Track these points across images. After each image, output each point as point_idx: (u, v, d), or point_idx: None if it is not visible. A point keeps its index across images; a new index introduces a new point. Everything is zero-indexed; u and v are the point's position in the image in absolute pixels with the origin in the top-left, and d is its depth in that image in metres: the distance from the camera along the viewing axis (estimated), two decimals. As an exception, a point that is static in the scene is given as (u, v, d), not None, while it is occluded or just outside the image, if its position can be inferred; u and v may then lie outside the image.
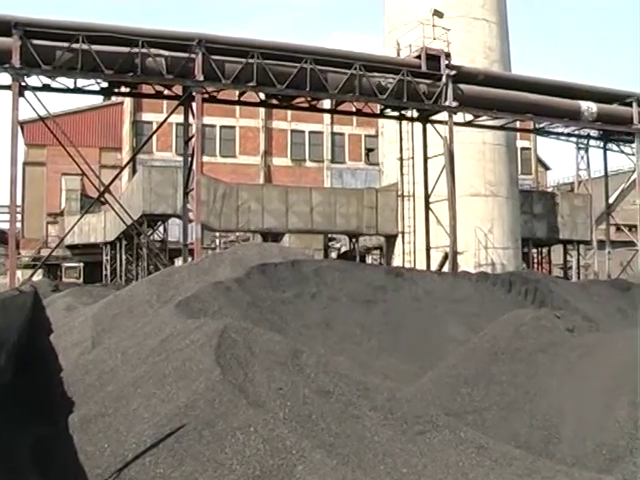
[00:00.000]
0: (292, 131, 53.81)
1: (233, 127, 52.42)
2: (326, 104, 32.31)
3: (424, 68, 27.86)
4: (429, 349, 11.44)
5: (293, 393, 6.09)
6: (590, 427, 6.33)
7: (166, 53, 23.85)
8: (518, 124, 36.42)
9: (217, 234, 40.74)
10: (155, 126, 38.16)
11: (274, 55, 25.24)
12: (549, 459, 6.20)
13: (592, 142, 40.39)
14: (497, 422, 7.06)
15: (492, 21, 34.91)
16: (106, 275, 46.34)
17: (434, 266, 29.49)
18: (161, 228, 38.98)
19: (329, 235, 38.81)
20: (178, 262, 30.54)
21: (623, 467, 5.80)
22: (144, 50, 23.26)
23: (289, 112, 47.82)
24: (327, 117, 51.90)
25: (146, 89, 27.01)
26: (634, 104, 33.53)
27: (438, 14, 29.96)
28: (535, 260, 45.67)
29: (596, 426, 6.28)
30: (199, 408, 5.77)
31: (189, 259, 24.64)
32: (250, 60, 24.62)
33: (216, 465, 5.27)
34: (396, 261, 33.62)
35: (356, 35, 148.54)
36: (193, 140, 25.22)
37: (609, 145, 39.52)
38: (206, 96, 25.90)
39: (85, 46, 22.47)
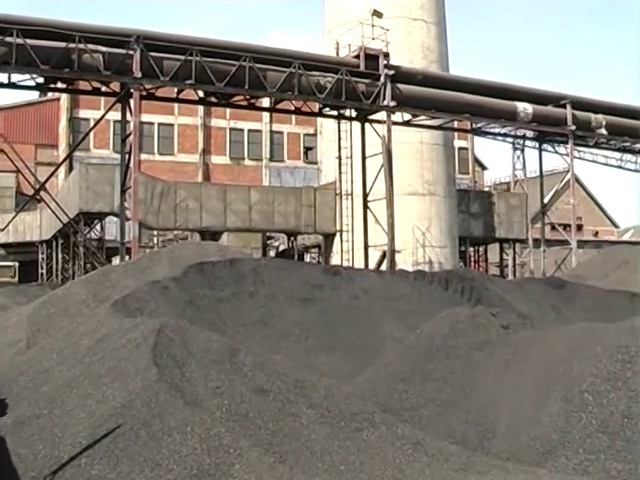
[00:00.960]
0: (231, 129, 53.54)
1: (171, 125, 51.95)
2: (265, 102, 32.28)
3: (363, 68, 28.02)
4: (366, 347, 11.49)
5: (230, 392, 6.08)
6: (524, 422, 6.44)
7: (104, 49, 23.54)
8: (456, 124, 36.86)
9: (155, 232, 40.33)
10: (92, 123, 37.69)
11: (213, 53, 25.14)
12: (484, 454, 6.29)
13: (528, 142, 41.10)
14: (433, 418, 7.13)
15: (431, 22, 35.22)
16: (42, 274, 45.57)
17: (372, 264, 29.65)
18: (98, 226, 38.40)
19: (267, 234, 38.71)
20: (115, 261, 30.15)
21: (555, 460, 5.92)
22: (81, 46, 22.93)
23: (228, 110, 47.56)
24: (266, 115, 51.78)
25: (83, 85, 26.70)
26: (568, 106, 34.20)
27: (377, 14, 30.18)
28: (472, 258, 46.19)
29: (530, 421, 6.39)
30: (135, 408, 5.72)
31: (126, 258, 24.39)
32: (189, 57, 24.48)
33: (153, 465, 5.24)
34: (334, 259, 33.72)
35: (296, 34, 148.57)
36: (131, 138, 24.94)
37: (544, 146, 40.25)
38: (144, 93, 25.64)
39: (20, 40, 22.04)
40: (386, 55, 28.63)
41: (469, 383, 7.32)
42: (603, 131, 36.04)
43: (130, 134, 25.11)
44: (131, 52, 23.72)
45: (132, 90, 24.18)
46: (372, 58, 28.25)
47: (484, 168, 70.10)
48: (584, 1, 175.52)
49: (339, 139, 31.83)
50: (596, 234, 72.29)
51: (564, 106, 34.25)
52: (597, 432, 5.90)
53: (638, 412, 5.87)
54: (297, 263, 20.96)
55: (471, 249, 45.01)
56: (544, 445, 6.09)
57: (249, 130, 53.96)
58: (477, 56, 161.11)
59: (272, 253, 43.05)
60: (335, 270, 16.16)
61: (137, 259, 17.37)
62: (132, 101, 24.59)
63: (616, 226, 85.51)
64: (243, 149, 54.12)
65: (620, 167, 49.49)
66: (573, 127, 34.32)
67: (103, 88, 25.94)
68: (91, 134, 40.19)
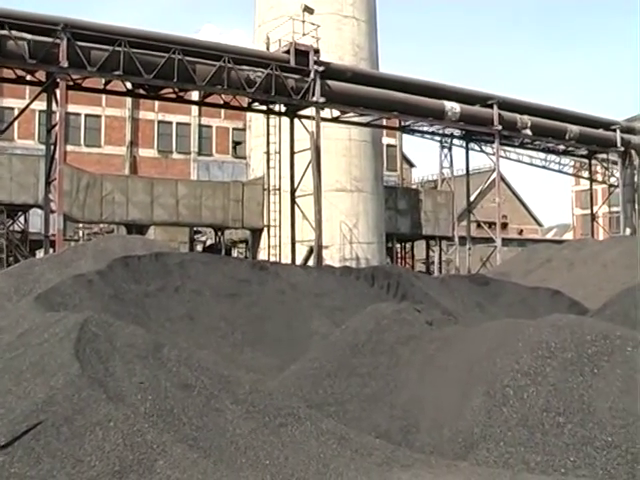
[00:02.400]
0: (159, 122, 52.88)
1: (98, 116, 51.05)
2: (194, 96, 32.03)
3: (293, 63, 28.00)
4: (293, 342, 11.51)
5: (154, 387, 6.01)
6: (447, 416, 6.53)
7: (29, 37, 23.00)
8: (384, 121, 37.11)
9: (80, 225, 39.71)
10: (17, 112, 36.84)
11: (142, 44, 24.81)
12: (408, 448, 6.36)
13: (455, 141, 41.63)
14: (358, 413, 7.18)
15: (361, 19, 35.42)
16: (-38, 267, 44.44)
17: (299, 260, 29.70)
18: (22, 218, 37.59)
19: (195, 228, 38.47)
20: (39, 254, 29.60)
21: (477, 453, 6.01)
22: (5, 32, 22.38)
23: (156, 103, 47.00)
24: (195, 109, 51.26)
25: (7, 73, 26.05)
26: (495, 106, 34.77)
27: (308, 10, 30.18)
28: (399, 255, 46.63)
29: (453, 415, 6.48)
30: (57, 404, 5.62)
31: (50, 251, 23.97)
32: (117, 48, 24.10)
33: (74, 462, 5.15)
34: (262, 255, 33.69)
35: (228, 28, 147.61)
36: (56, 128, 24.48)
37: (471, 145, 40.82)
38: (71, 83, 25.22)
39: (-60, 25, 21.49)
40: (316, 51, 28.67)
41: (394, 378, 7.38)
42: (528, 132, 36.73)
43: (56, 125, 24.64)
44: (58, 41, 23.24)
45: (58, 80, 23.72)
46: (302, 54, 28.27)
47: (412, 166, 70.76)
48: (517, 3, 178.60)
49: (268, 134, 31.81)
50: (520, 232, 73.66)
51: (491, 106, 34.81)
52: (517, 425, 6.02)
53: (556, 406, 6.01)
54: (224, 258, 20.83)
55: (398, 246, 45.43)
56: (466, 439, 6.19)
57: (177, 123, 53.39)
58: (407, 55, 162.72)
59: (199, 247, 42.82)
60: (262, 265, 16.14)
61: (61, 252, 17.08)
62: (58, 91, 24.14)
63: (540, 225, 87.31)
64: (171, 142, 53.53)
65: (544, 167, 50.52)
66: (499, 127, 34.90)
67: (28, 77, 25.41)
68: (15, 124, 39.31)
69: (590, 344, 6.51)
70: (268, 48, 30.43)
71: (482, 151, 42.93)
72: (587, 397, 6.03)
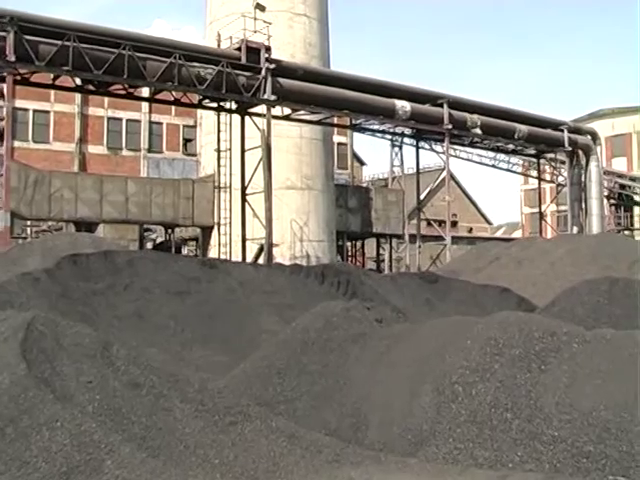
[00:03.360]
0: (109, 118, 52.30)
1: (47, 112, 50.31)
2: (144, 92, 31.74)
3: (244, 60, 27.90)
4: (243, 340, 11.50)
5: (102, 386, 5.95)
6: (396, 413, 6.56)
7: (-27, 29, 22.61)
8: (335, 120, 37.16)
9: (28, 223, 39.17)
10: (-39, 107, 36.19)
11: (92, 39, 24.48)
12: (358, 445, 6.37)
13: (406, 140, 41.88)
14: (308, 411, 7.18)
15: (313, 17, 35.43)
16: None
17: (250, 258, 29.63)
18: (-34, 215, 36.98)
19: (145, 226, 38.16)
20: (-16, 251, 29.11)
21: (426, 450, 6.05)
22: (-53, 24, 21.98)
23: (106, 99, 46.50)
24: (145, 105, 50.80)
25: (-50, 67, 25.58)
26: (445, 105, 34.99)
27: (260, 7, 30.18)
28: (349, 253, 46.73)
29: (402, 412, 6.51)
30: (2, 404, 5.52)
31: (-4, 248, 23.60)
32: (66, 43, 23.73)
33: (20, 463, 5.07)
34: (212, 252, 33.55)
35: (179, 24, 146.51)
36: (3, 124, 24.10)
37: (421, 143, 41.10)
38: (18, 78, 24.82)
39: None
40: (268, 49, 28.61)
41: (343, 376, 7.40)
42: (478, 131, 37.05)
43: (2, 120, 24.26)
44: (4, 34, 22.83)
45: (5, 74, 23.33)
46: (254, 51, 28.18)
47: (363, 164, 71.06)
48: (469, 3, 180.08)
49: (218, 131, 31.65)
50: (470, 230, 74.33)
51: (441, 105, 35.03)
52: (466, 422, 6.07)
53: (504, 402, 6.07)
54: (173, 256, 20.76)
55: (348, 243, 45.53)
56: (416, 435, 6.22)
57: (128, 120, 52.87)
58: (358, 53, 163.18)
59: (149, 245, 42.47)
60: (212, 263, 16.10)
61: (8, 250, 16.87)
62: (5, 86, 23.76)
63: (489, 223, 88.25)
64: (121, 139, 52.98)
65: (494, 166, 51.08)
66: (449, 126, 35.14)
67: (-27, 71, 24.97)
68: (-40, 119, 38.65)
69: (537, 341, 6.58)
70: (219, 45, 30.25)
71: (432, 150, 43.28)
72: (534, 393, 6.10)
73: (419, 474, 5.58)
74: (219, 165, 32.04)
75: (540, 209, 47.43)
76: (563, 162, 46.04)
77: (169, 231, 38.12)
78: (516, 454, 5.73)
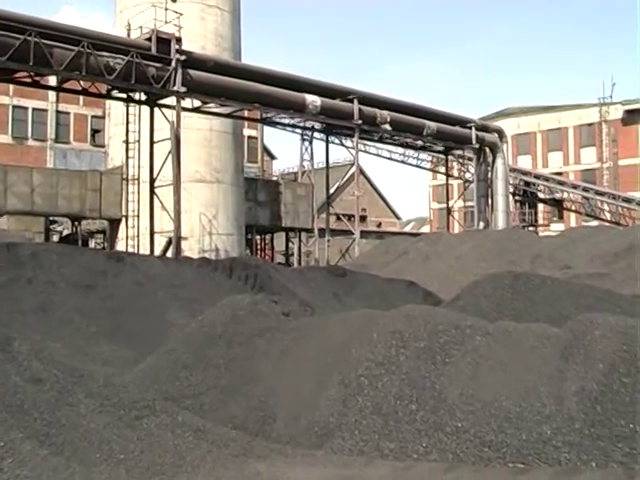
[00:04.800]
0: (14, 107, 50.95)
1: (-52, 100, 48.86)
2: (51, 81, 31.01)
3: (154, 51, 27.48)
4: (149, 334, 11.36)
5: (3, 382, 5.79)
6: (303, 406, 6.58)
7: None
8: (246, 113, 37.06)
9: None
10: None
11: (-5, 25, 23.77)
12: (264, 439, 6.37)
13: (316, 134, 41.98)
14: (214, 405, 7.15)
15: (225, 9, 35.19)
16: None
17: (158, 251, 29.33)
18: None
19: (51, 218, 37.35)
20: None
21: (333, 442, 6.09)
22: None
23: (11, 86, 45.26)
24: (52, 94, 49.68)
25: None
26: (355, 101, 35.24)
27: (172, -3, 29.78)
28: (258, 246, 46.69)
29: (309, 405, 6.54)
30: None
31: None
32: (-33, 27, 23.02)
33: None
34: (120, 245, 33.05)
35: (88, 11, 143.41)
36: None
37: (331, 138, 41.32)
38: None
39: None
40: (178, 40, 28.27)
41: (250, 369, 7.39)
42: (388, 127, 37.43)
43: None
44: None
45: None
46: (164, 42, 27.79)
47: (273, 158, 71.09)
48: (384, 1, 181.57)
49: (127, 123, 31.17)
50: (379, 225, 75.11)
51: (352, 101, 35.27)
52: (372, 414, 6.13)
53: (409, 394, 6.16)
54: (79, 248, 20.38)
55: (258, 237, 45.49)
56: (322, 428, 6.26)
57: (34, 109, 51.60)
58: (270, 47, 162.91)
59: (55, 238, 41.60)
60: (118, 256, 15.88)
61: None
62: None
63: (398, 218, 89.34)
64: (27, 128, 51.70)
65: (403, 162, 51.80)
66: (359, 121, 35.41)
67: None
68: None
69: (442, 334, 6.69)
70: (129, 35, 29.77)
71: (342, 145, 43.63)
72: (438, 385, 6.20)
73: (325, 466, 5.61)
74: (127, 157, 31.57)
75: (448, 205, 48.23)
76: (470, 159, 46.92)
77: (76, 223, 37.36)
78: (421, 445, 5.81)
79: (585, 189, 58.36)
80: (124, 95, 29.77)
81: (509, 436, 5.63)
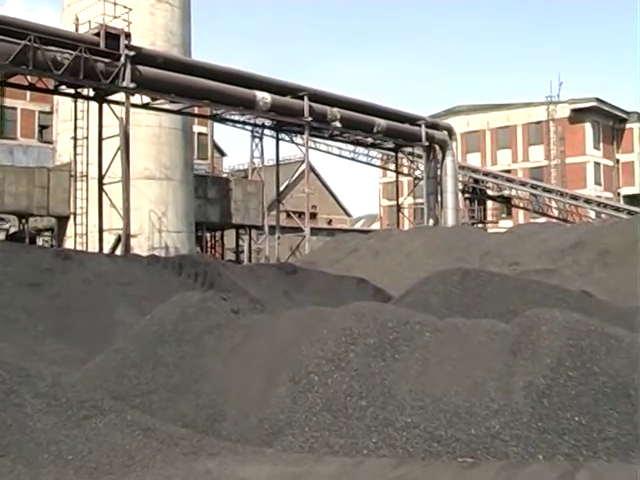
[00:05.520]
0: (-44, 102, 50.05)
1: None
2: (-4, 76, 30.49)
3: (103, 46, 27.16)
4: (98, 333, 11.25)
5: (-52, 383, 5.72)
6: (253, 404, 6.57)
7: None
8: (196, 109, 36.86)
9: None
10: None
11: (-63, 17, 23.31)
12: (214, 437, 6.35)
13: (266, 131, 42.00)
14: (164, 403, 7.10)
15: (175, 5, 34.96)
16: None
17: (107, 249, 29.05)
18: None
19: (-3, 215, 36.80)
20: None
21: (283, 439, 6.09)
22: None
23: (-47, 82, 44.41)
24: (-3, 90, 48.91)
25: None
26: (305, 98, 35.27)
27: (120, -7, 29.45)
28: (208, 244, 46.51)
29: (258, 403, 6.53)
30: None
31: None
32: None
33: None
34: (68, 243, 32.65)
35: (35, 5, 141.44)
36: None
37: (282, 135, 41.32)
38: None
39: None
40: (127, 35, 28.00)
41: (200, 367, 7.35)
42: (338, 124, 37.51)
43: None
44: None
45: None
46: (113, 37, 27.48)
47: (223, 154, 70.84)
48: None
49: (75, 119, 30.88)
50: (329, 222, 75.28)
51: (302, 98, 35.28)
52: (322, 411, 6.14)
53: (359, 390, 6.19)
54: (26, 246, 20.08)
55: (208, 234, 45.32)
56: (272, 425, 6.25)
57: (-21, 105, 50.75)
58: (220, 44, 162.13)
59: (2, 236, 41.03)
60: (66, 254, 15.69)
61: None
62: None
63: (348, 215, 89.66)
64: (-29, 124, 50.87)
65: (353, 159, 52.05)
66: (309, 118, 35.45)
67: None
68: None
69: (391, 330, 6.73)
70: (77, 29, 29.40)
71: (292, 142, 43.64)
72: (388, 381, 6.23)
73: (275, 463, 5.61)
74: (76, 153, 31.26)
75: (398, 202, 48.51)
76: (420, 156, 47.23)
77: (23, 221, 36.83)
78: (370, 441, 5.84)
79: (533, 186, 59.12)
80: (72, 91, 29.42)
81: (458, 431, 5.69)
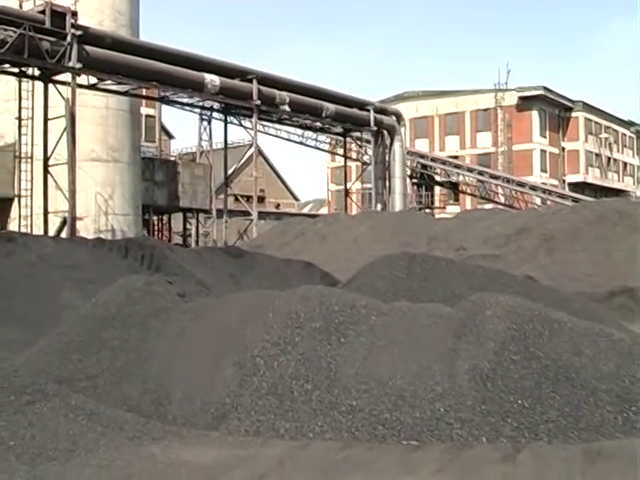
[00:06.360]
0: None
1: None
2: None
3: (48, 25, 26.55)
4: (42, 317, 11.11)
5: None
6: (199, 388, 6.56)
7: None
8: (144, 91, 36.44)
9: None
10: None
11: None
12: (160, 421, 6.33)
13: (215, 114, 41.66)
14: (109, 387, 7.05)
15: (123, -15, 34.43)
16: None
17: (52, 232, 28.65)
18: None
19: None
20: None
21: (229, 423, 6.09)
22: None
23: None
24: (-62, 69, 47.71)
25: None
26: (254, 81, 35.05)
27: (67, -29, 28.93)
28: (156, 227, 46.14)
29: (204, 386, 6.52)
30: None
31: None
32: None
33: None
34: (12, 226, 32.07)
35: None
36: None
37: (230, 118, 41.03)
38: None
39: None
40: (74, 14, 27.45)
41: (145, 351, 7.31)
42: (287, 108, 37.37)
43: None
44: None
45: None
46: (59, 16, 26.89)
47: (171, 137, 70.16)
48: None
49: (20, 99, 30.29)
50: (277, 206, 75.08)
51: (251, 81, 35.07)
52: (267, 394, 6.15)
53: (305, 374, 6.21)
54: (-32, 229, 19.73)
55: (155, 218, 44.95)
56: (218, 409, 6.25)
57: None
58: (169, 25, 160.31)
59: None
60: (9, 236, 15.47)
61: None
62: None
63: (297, 199, 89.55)
64: None
65: (302, 143, 51.94)
66: (258, 102, 35.26)
67: None
68: None
69: (337, 314, 6.76)
70: (21, 6, 28.83)
71: (241, 125, 43.38)
72: (334, 365, 6.26)
73: (221, 447, 5.62)
74: (20, 134, 30.69)
75: (346, 186, 48.55)
76: (369, 141, 47.29)
77: (-36, 203, 36.12)
78: (316, 424, 5.87)
79: (480, 172, 59.63)
80: (16, 70, 28.86)
81: (403, 414, 5.74)
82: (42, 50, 26.47)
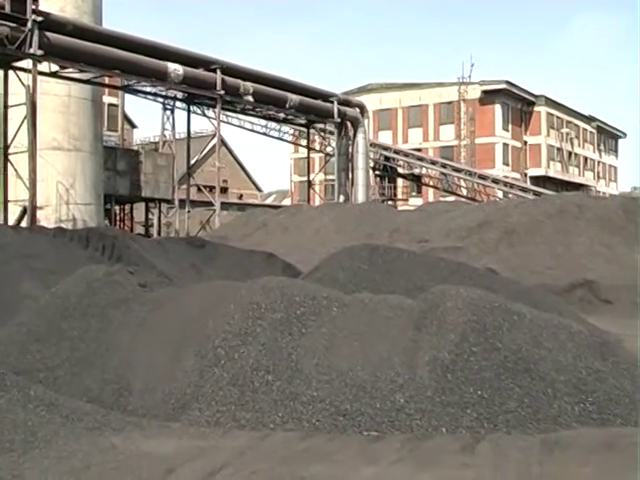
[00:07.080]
0: None
1: None
2: None
3: (8, 10, 26.13)
4: (1, 307, 10.97)
5: None
6: (159, 378, 6.54)
7: None
8: (106, 79, 36.09)
9: None
10: None
11: None
12: (120, 411, 6.31)
13: (178, 104, 41.48)
14: (69, 378, 7.00)
15: (86, -30, 34.03)
16: None
17: (12, 221, 28.34)
18: None
19: None
20: None
21: (189, 414, 6.08)
22: None
23: None
24: None
25: None
26: (218, 71, 34.93)
27: (28, -46, 28.50)
28: (118, 217, 45.85)
29: (165, 377, 6.50)
30: None
31: None
32: None
33: None
34: (-29, 214, 31.72)
35: None
36: None
37: (193, 108, 40.86)
38: None
39: None
40: (35, 0, 27.15)
41: (105, 341, 7.27)
42: (250, 98, 37.27)
43: None
44: None
45: None
46: (20, 1, 26.54)
47: (134, 126, 69.60)
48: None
49: (-24, 86, 29.88)
50: (240, 197, 75.00)
51: (214, 71, 34.93)
52: (228, 385, 6.15)
53: (266, 365, 6.21)
54: None
55: (117, 207, 44.64)
56: (179, 400, 6.24)
57: None
58: (132, 13, 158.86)
59: None
60: (-32, 225, 15.24)
61: None
62: None
63: (260, 190, 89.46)
64: None
65: (265, 134, 51.90)
66: (222, 92, 35.14)
67: None
68: None
69: (299, 305, 6.77)
70: (-21, -9, 28.39)
71: (204, 115, 43.22)
72: (295, 355, 6.28)
73: (181, 438, 5.61)
74: (-21, 122, 30.29)
75: (309, 178, 48.61)
76: (332, 133, 47.35)
77: None
78: (277, 415, 5.88)
79: (443, 165, 59.95)
80: (-25, 56, 28.46)
81: (364, 405, 5.77)
82: (2, 36, 26.06)
